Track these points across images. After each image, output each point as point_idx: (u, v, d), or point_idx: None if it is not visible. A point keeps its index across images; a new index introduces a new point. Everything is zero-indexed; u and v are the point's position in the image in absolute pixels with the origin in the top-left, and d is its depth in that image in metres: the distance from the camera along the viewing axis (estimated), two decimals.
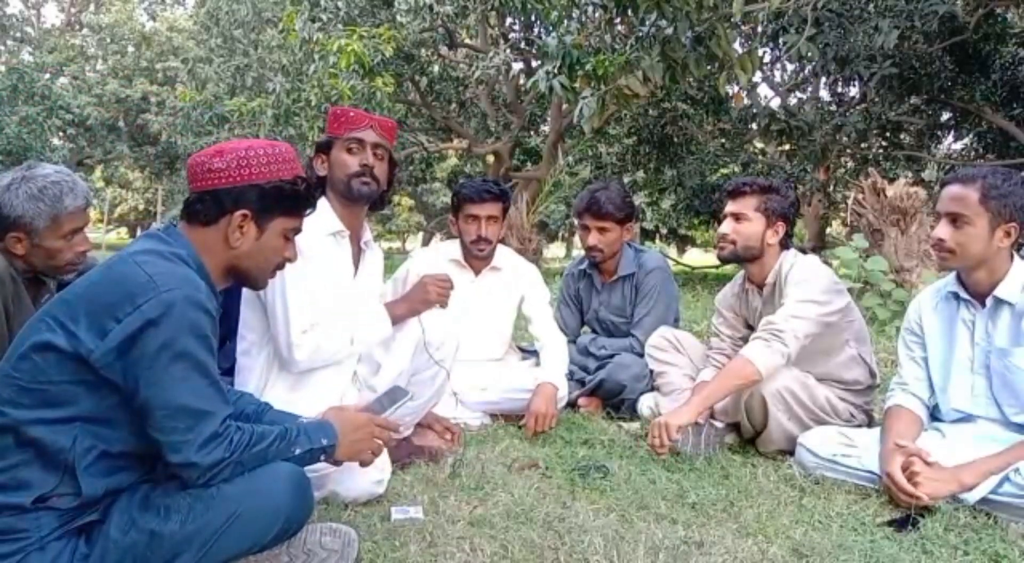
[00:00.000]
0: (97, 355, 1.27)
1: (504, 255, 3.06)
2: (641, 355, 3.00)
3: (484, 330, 3.00)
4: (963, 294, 2.17)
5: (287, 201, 1.51)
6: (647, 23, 4.56)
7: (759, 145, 13.57)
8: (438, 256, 3.03)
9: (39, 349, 1.28)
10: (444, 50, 12.21)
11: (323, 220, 2.16)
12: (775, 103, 11.57)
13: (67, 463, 1.28)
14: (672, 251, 25.91)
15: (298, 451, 1.46)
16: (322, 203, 2.20)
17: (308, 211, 1.57)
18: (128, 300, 1.28)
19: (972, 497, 1.91)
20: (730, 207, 2.61)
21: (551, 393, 2.70)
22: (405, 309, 2.29)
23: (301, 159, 1.61)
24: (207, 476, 1.34)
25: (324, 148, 2.22)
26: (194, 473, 1.33)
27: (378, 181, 2.18)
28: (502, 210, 2.95)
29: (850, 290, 3.75)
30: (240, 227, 1.47)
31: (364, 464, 1.64)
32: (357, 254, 2.26)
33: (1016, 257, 2.11)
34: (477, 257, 2.99)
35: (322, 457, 1.52)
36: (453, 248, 3.05)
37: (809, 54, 5.35)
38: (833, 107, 11.40)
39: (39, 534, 1.26)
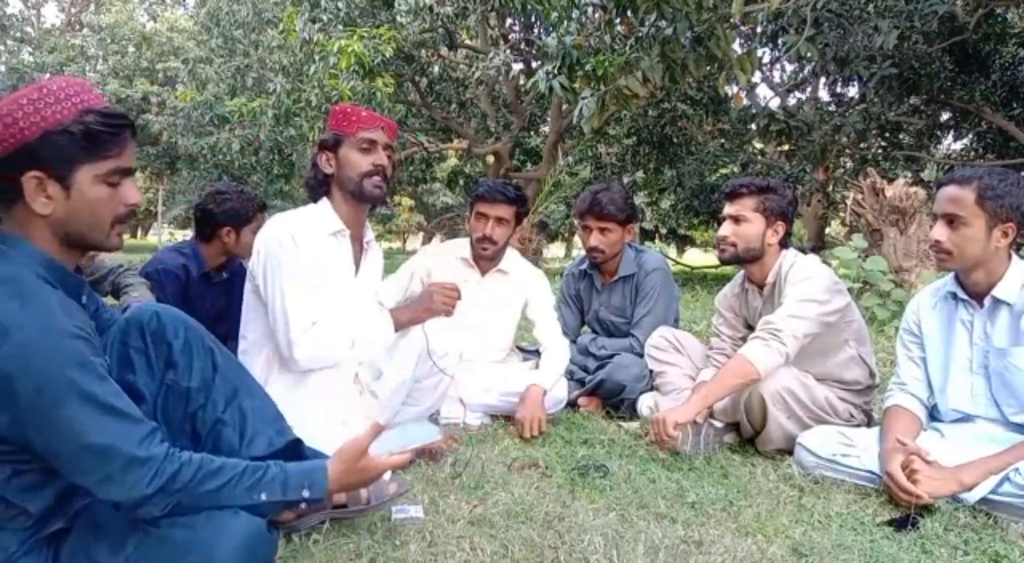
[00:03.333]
0: None
1: (512, 259, 3.07)
2: (641, 355, 3.01)
3: (486, 331, 3.00)
4: (961, 294, 2.17)
5: (81, 144, 1.24)
6: (647, 23, 4.57)
7: (758, 145, 13.56)
8: (446, 254, 3.04)
9: None
10: (444, 51, 12.20)
11: (324, 219, 2.17)
12: (774, 103, 11.57)
13: None
14: (672, 251, 25.91)
15: (264, 497, 1.31)
16: (323, 202, 2.21)
17: (123, 136, 1.29)
18: None
19: (972, 497, 1.92)
20: (729, 209, 2.61)
21: (537, 396, 2.69)
22: (409, 317, 2.29)
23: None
24: (141, 512, 1.24)
25: (332, 146, 2.18)
26: (126, 509, 1.24)
27: (388, 182, 2.20)
28: (514, 214, 2.94)
29: (849, 290, 3.75)
30: (42, 191, 1.23)
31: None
32: (358, 253, 2.27)
33: (1014, 257, 2.11)
34: (481, 256, 2.99)
35: (303, 506, 1.41)
36: (463, 246, 3.05)
37: (808, 54, 5.36)
38: (832, 107, 11.40)
39: (7, 553, 1.24)
